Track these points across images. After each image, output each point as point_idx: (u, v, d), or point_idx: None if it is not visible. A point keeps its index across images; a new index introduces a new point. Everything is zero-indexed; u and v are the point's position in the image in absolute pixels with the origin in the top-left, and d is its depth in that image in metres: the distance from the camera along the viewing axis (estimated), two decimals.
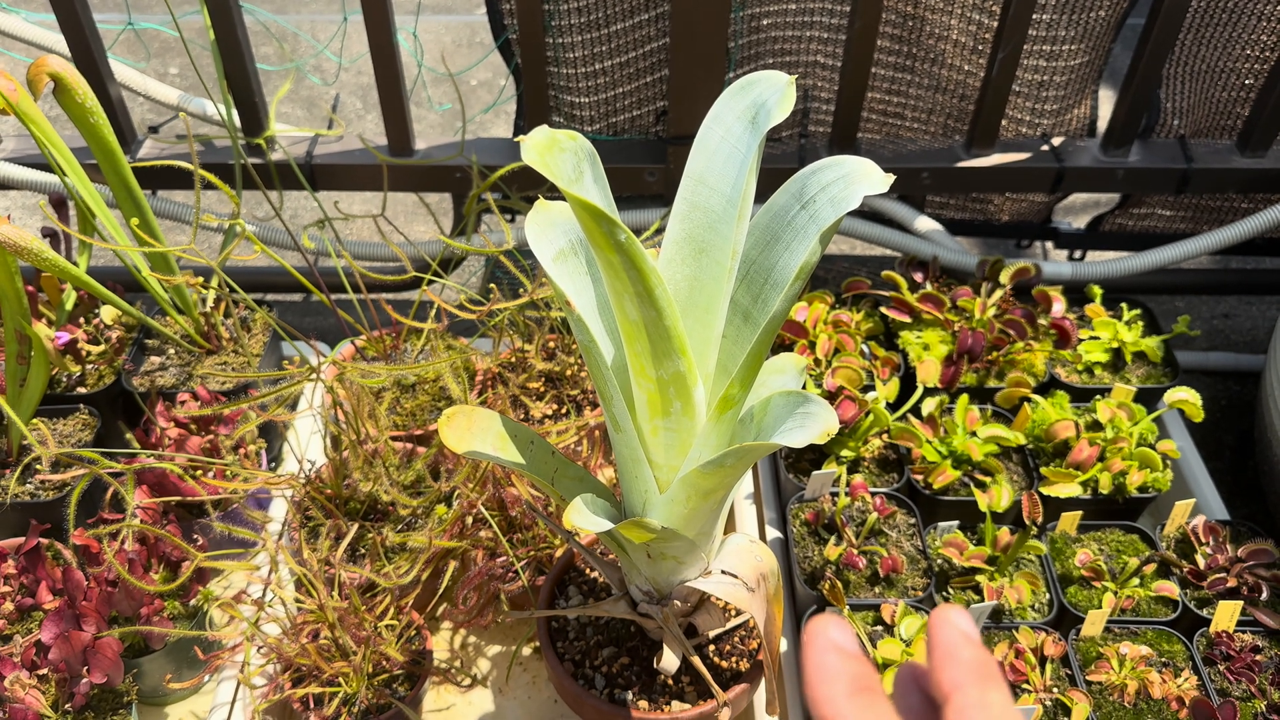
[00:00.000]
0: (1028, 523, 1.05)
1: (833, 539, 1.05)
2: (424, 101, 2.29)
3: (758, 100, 0.64)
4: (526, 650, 1.10)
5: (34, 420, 1.13)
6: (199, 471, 1.06)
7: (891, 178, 0.60)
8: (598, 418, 1.09)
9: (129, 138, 1.37)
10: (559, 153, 0.58)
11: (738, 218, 0.66)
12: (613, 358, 0.72)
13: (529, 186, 1.35)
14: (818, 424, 0.60)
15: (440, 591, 1.04)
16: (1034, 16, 1.27)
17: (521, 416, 1.18)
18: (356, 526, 1.02)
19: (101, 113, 1.06)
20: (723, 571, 0.81)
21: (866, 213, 1.53)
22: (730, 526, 1.14)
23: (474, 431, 0.73)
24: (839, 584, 0.97)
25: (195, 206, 1.07)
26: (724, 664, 0.90)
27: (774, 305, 0.63)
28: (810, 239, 0.64)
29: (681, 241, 0.69)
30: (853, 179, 0.62)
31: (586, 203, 0.53)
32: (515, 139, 0.61)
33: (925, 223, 1.46)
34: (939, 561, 1.05)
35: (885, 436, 1.16)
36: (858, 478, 1.11)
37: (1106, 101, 2.09)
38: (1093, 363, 1.26)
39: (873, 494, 1.08)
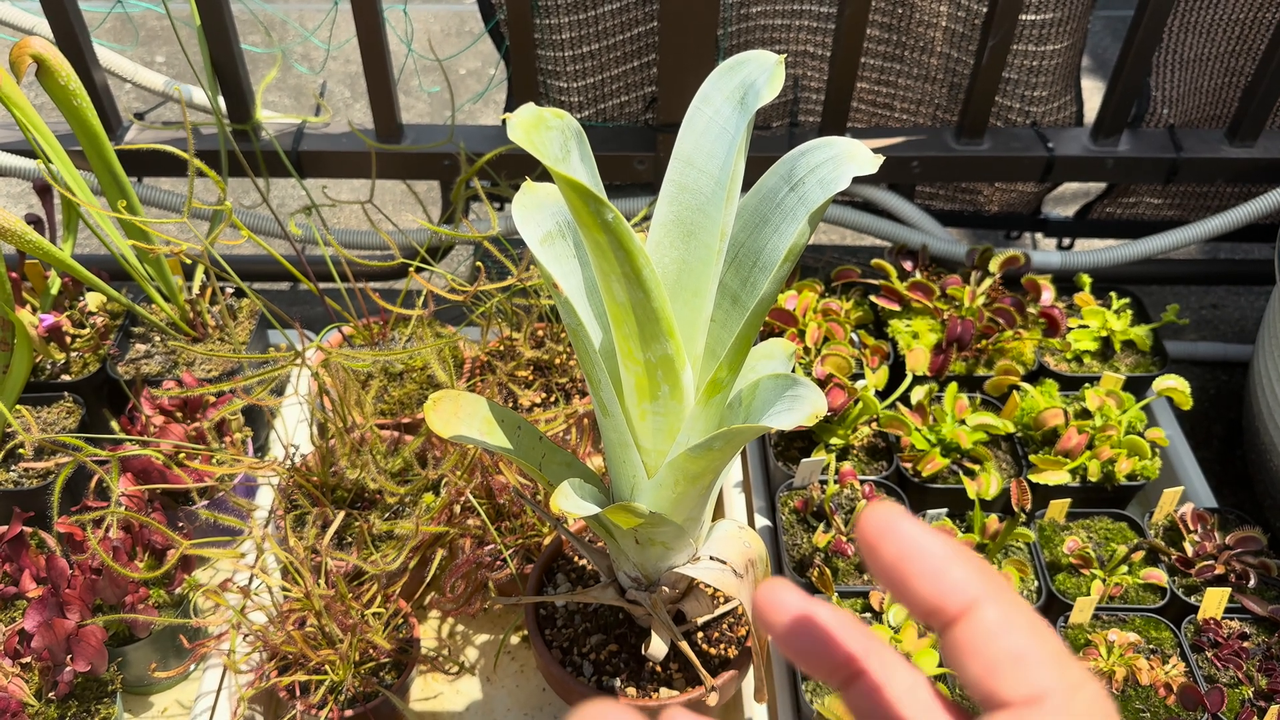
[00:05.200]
0: (1016, 510, 1.04)
1: (821, 526, 1.04)
2: (413, 90, 2.28)
3: (746, 80, 0.64)
4: (515, 639, 1.10)
5: (17, 407, 1.12)
6: (182, 455, 1.05)
7: (880, 158, 0.59)
8: (586, 406, 1.09)
9: (114, 124, 1.36)
10: (545, 130, 0.58)
11: (726, 199, 0.66)
12: (600, 341, 0.71)
13: (518, 175, 1.34)
14: (806, 406, 0.60)
15: (428, 580, 1.03)
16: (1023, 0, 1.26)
17: (510, 405, 1.17)
18: (343, 514, 1.01)
19: (85, 95, 1.05)
20: (711, 557, 0.80)
21: (857, 203, 1.53)
22: (719, 514, 1.14)
23: (460, 416, 0.72)
24: (828, 571, 0.97)
25: (189, 182, 1.06)
26: (712, 651, 0.90)
27: (763, 288, 0.62)
28: (799, 220, 0.64)
29: (669, 224, 0.69)
30: (842, 159, 0.61)
31: (573, 180, 0.52)
32: (503, 119, 0.60)
33: (914, 212, 1.46)
34: None
35: (874, 424, 1.16)
36: (847, 465, 1.10)
37: (1095, 93, 2.09)
38: (1082, 351, 1.26)
39: (862, 481, 1.08)
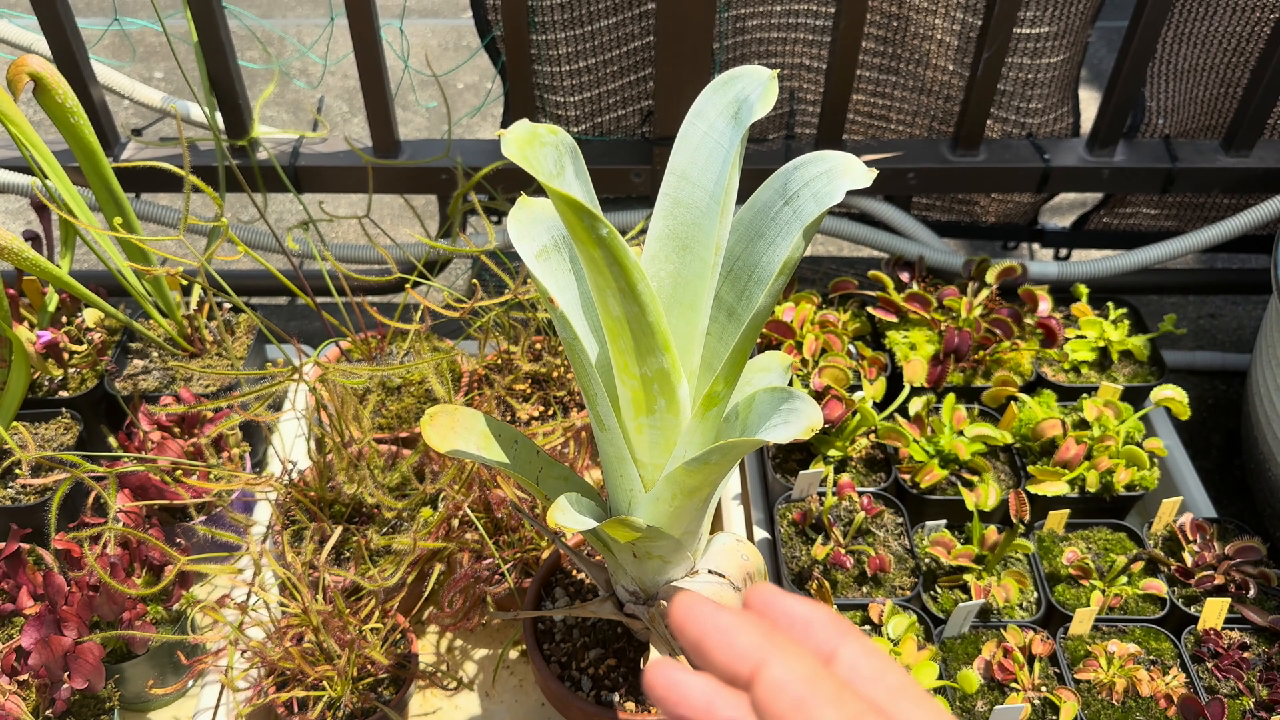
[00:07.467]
0: (1015, 521, 1.04)
1: (820, 538, 1.04)
2: (411, 105, 2.29)
3: (740, 95, 0.64)
4: (513, 654, 1.09)
5: (14, 424, 1.12)
6: (180, 471, 1.05)
7: (874, 172, 0.60)
8: (584, 419, 1.09)
9: (111, 140, 1.36)
10: (539, 146, 0.58)
11: (721, 213, 0.66)
12: (597, 355, 0.71)
13: (515, 189, 1.34)
14: (802, 419, 0.60)
15: (426, 594, 1.03)
16: (1018, 14, 1.27)
17: (508, 418, 1.17)
18: (340, 529, 1.01)
19: (82, 113, 1.05)
20: (709, 571, 0.80)
21: (854, 214, 1.53)
22: (717, 526, 1.14)
23: (457, 430, 0.72)
24: (826, 584, 0.97)
25: (184, 198, 1.06)
26: None
27: (758, 301, 0.62)
28: (794, 234, 0.64)
29: (665, 238, 0.69)
30: (836, 173, 0.61)
31: (567, 196, 0.53)
32: (499, 135, 0.60)
33: (911, 223, 1.46)
34: (926, 560, 1.05)
35: (872, 436, 1.16)
36: (845, 477, 1.10)
37: (1091, 103, 2.10)
38: (1079, 361, 1.26)
39: (860, 493, 1.08)
